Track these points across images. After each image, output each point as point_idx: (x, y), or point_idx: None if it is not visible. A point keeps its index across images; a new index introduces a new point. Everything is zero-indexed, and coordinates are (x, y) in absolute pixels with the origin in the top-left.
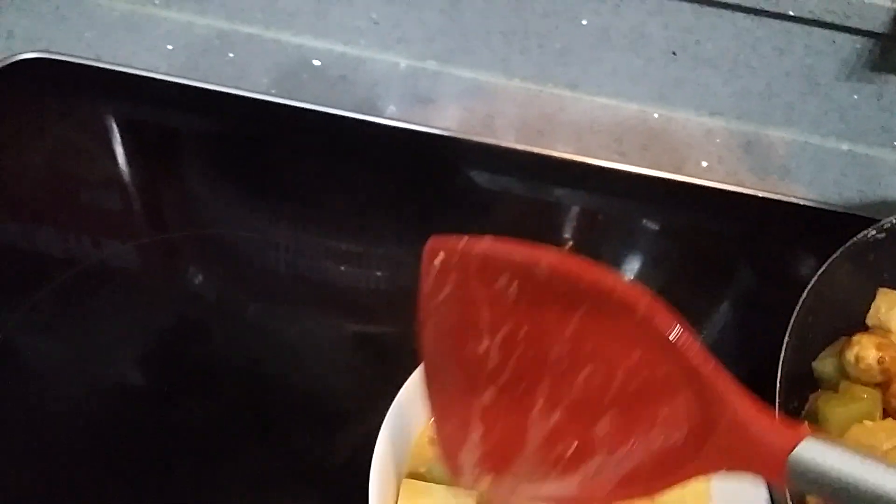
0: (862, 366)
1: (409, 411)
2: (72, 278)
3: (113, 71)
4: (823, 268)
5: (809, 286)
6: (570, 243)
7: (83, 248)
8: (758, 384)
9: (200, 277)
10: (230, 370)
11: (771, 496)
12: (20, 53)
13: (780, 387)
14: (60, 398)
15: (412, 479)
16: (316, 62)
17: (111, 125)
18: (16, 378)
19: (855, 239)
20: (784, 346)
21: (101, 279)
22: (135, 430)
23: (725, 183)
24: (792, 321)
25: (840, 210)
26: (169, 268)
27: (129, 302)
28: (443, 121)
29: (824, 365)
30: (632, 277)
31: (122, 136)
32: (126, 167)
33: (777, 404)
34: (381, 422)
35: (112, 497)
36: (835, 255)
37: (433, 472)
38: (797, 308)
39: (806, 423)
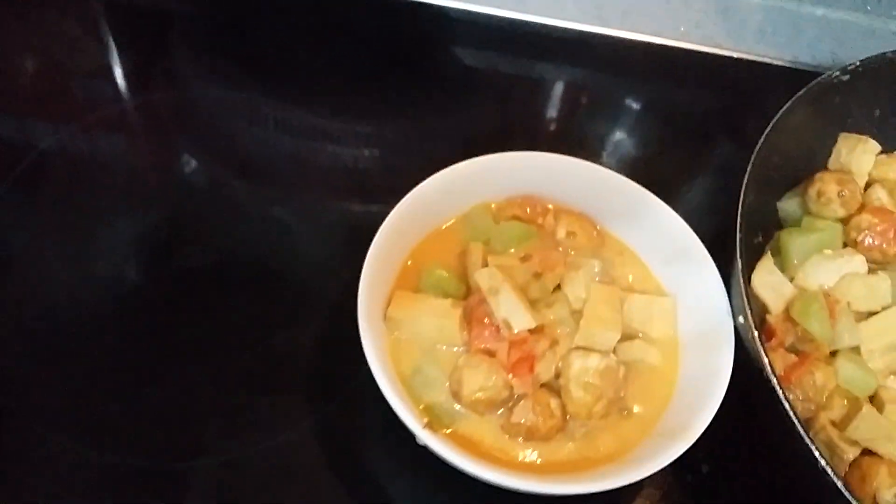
0: (823, 200)
1: (396, 236)
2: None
3: None
4: (786, 106)
5: (772, 123)
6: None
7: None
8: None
9: (189, 157)
10: (221, 250)
11: (731, 303)
12: None
13: (741, 222)
14: (49, 283)
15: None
16: None
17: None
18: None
19: (819, 79)
20: (745, 181)
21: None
22: (124, 321)
23: (702, 45)
24: (753, 156)
25: (812, 70)
26: (158, 134)
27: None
28: None
29: (788, 205)
30: (616, 142)
31: (112, 20)
32: (116, 51)
33: (738, 240)
34: None
35: (102, 390)
36: (798, 94)
37: (421, 283)
38: (758, 144)
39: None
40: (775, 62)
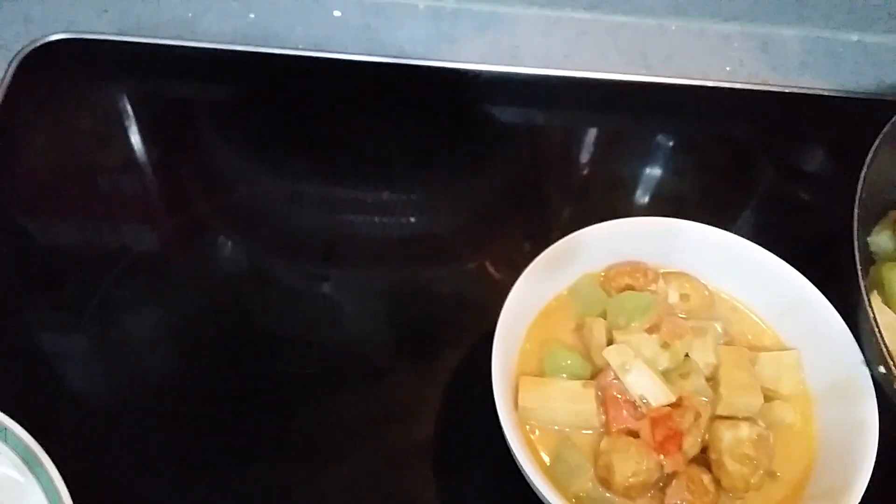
0: None
1: (514, 320)
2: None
3: (140, 43)
4: (875, 146)
5: (868, 161)
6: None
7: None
8: (803, 264)
9: (232, 246)
10: (282, 336)
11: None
12: (45, 37)
13: (861, 267)
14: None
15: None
16: (337, 13)
17: (146, 99)
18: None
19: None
20: (855, 222)
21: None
22: (228, 425)
23: (751, 83)
24: (858, 195)
25: (859, 97)
26: (205, 240)
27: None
28: (468, 56)
29: (881, 238)
30: (676, 186)
31: (158, 109)
32: (168, 140)
33: (863, 287)
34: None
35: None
36: (883, 132)
37: (545, 367)
38: (860, 182)
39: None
40: (822, 93)
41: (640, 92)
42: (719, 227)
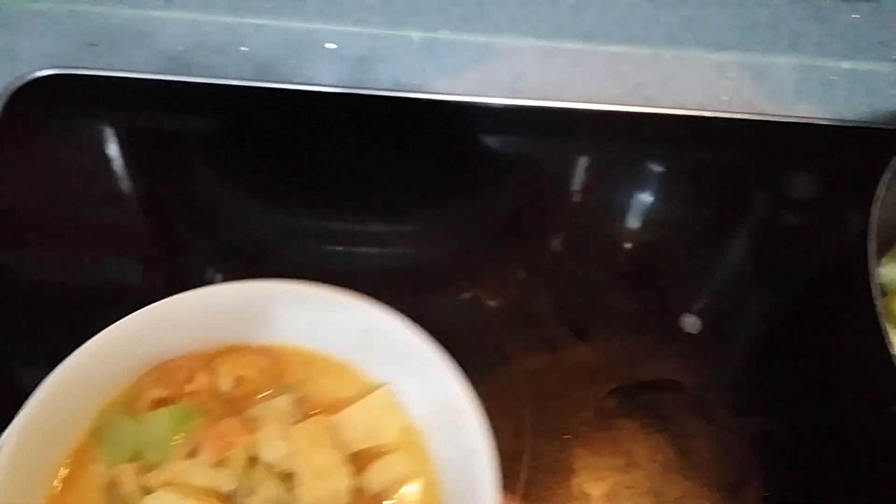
0: None
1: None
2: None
3: (128, 79)
4: (886, 178)
5: (880, 196)
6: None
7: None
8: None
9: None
10: None
11: None
12: (33, 72)
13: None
14: None
15: None
16: (331, 45)
17: (136, 134)
18: None
19: None
20: (867, 254)
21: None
22: None
23: (747, 113)
24: (869, 232)
25: (854, 125)
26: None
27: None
28: (463, 88)
29: (889, 270)
30: (673, 217)
31: (149, 144)
32: (160, 177)
33: (877, 309)
34: None
35: None
36: (891, 163)
37: None
38: (871, 219)
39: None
40: (817, 121)
41: (637, 122)
42: (716, 257)
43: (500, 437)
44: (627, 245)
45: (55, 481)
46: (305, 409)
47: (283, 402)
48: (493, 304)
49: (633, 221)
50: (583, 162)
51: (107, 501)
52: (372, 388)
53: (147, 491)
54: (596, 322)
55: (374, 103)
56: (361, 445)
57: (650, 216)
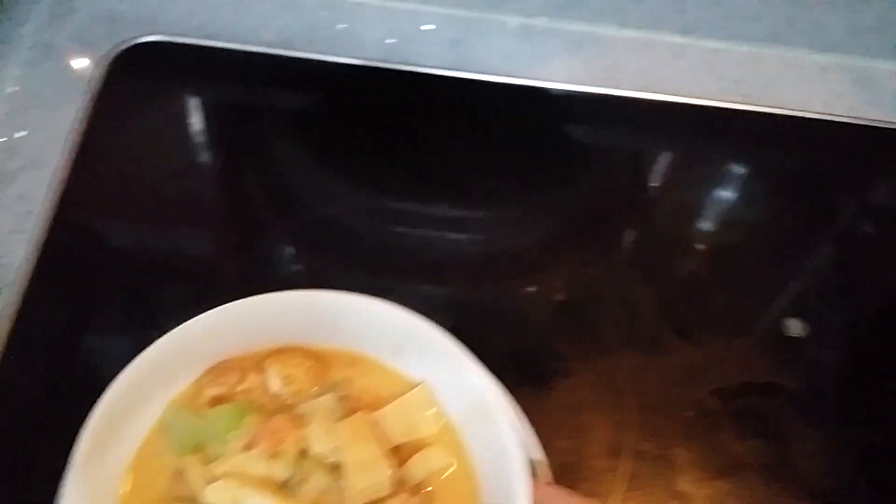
0: None
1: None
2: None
3: (227, 49)
4: None
5: None
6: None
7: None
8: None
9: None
10: None
11: None
12: (136, 38)
13: None
14: None
15: None
16: (427, 27)
17: (231, 106)
18: None
19: None
20: None
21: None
22: None
23: (847, 117)
24: None
25: None
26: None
27: None
28: (560, 76)
29: None
30: (769, 217)
31: (244, 117)
32: (251, 151)
33: None
34: None
35: None
36: None
37: None
38: None
39: None
40: None
41: (734, 119)
42: (813, 261)
43: (601, 429)
44: (726, 244)
45: (127, 469)
46: (349, 407)
47: (328, 400)
48: (591, 296)
49: (730, 220)
50: (680, 156)
51: (174, 489)
52: (410, 387)
53: (210, 480)
54: (697, 321)
55: (467, 87)
56: (401, 439)
57: (745, 215)
